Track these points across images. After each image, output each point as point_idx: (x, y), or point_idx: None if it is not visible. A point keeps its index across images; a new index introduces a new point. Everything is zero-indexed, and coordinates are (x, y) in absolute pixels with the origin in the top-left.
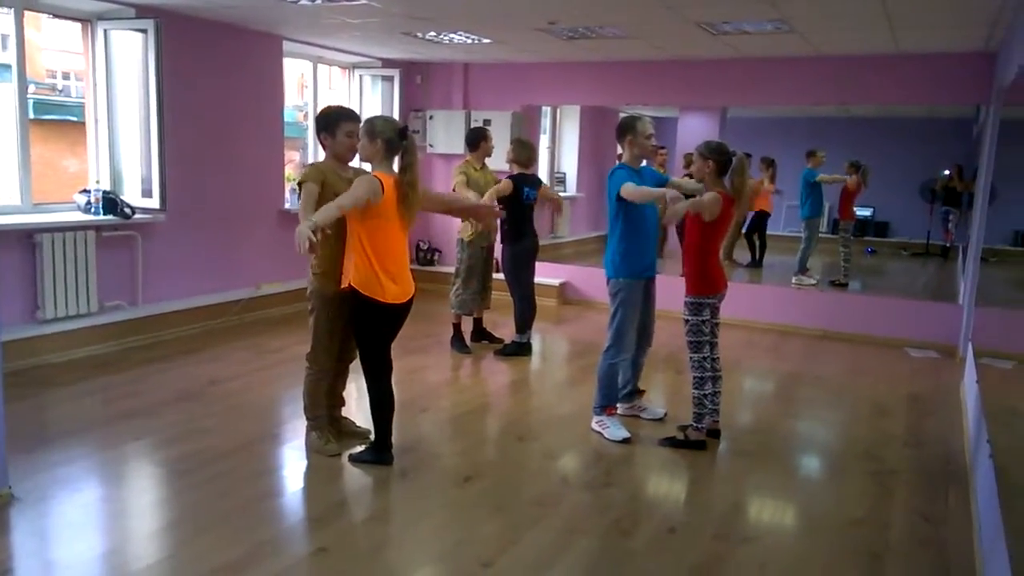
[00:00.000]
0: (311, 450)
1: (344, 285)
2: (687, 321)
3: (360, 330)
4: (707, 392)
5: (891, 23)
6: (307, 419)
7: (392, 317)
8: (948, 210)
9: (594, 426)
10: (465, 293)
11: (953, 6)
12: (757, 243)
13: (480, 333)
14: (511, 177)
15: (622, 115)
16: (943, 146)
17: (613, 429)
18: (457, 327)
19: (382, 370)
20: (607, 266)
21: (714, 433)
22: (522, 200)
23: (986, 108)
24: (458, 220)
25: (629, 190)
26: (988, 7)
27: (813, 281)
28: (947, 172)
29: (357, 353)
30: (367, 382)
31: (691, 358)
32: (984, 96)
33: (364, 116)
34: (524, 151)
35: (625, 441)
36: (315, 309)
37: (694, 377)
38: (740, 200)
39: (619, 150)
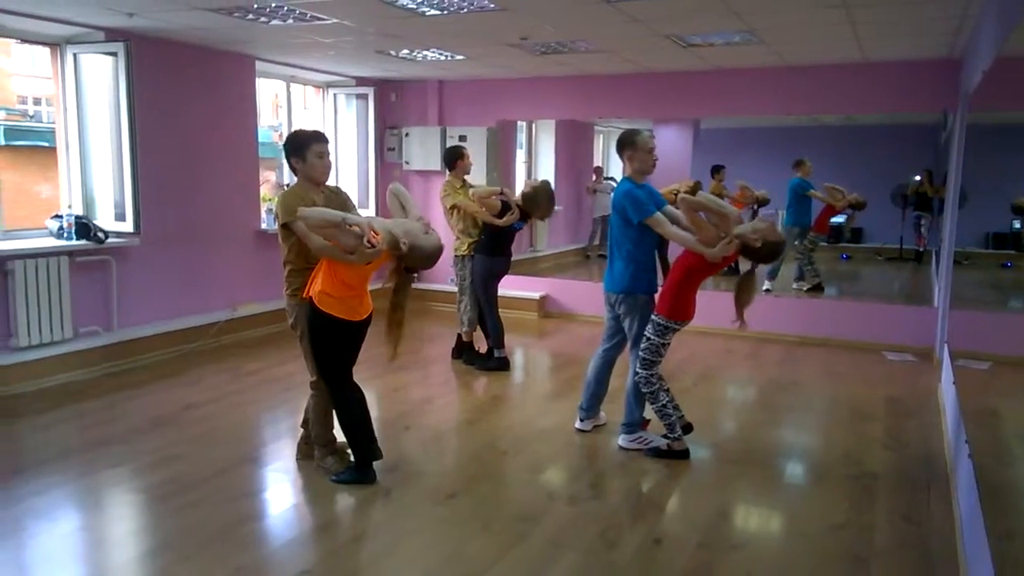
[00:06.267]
0: (328, 474)
1: (305, 294)
2: (648, 339)
3: (319, 346)
4: (664, 402)
5: (856, 32)
6: (319, 446)
7: (353, 333)
8: (920, 215)
9: (631, 444)
10: (473, 311)
11: (916, 15)
12: None
13: (459, 350)
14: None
15: (622, 129)
16: (913, 152)
17: (657, 440)
18: (470, 345)
19: (343, 385)
20: (619, 281)
21: (687, 428)
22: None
23: (953, 114)
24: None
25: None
26: (950, 15)
27: (794, 286)
28: (918, 178)
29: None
30: (333, 401)
31: (637, 373)
32: (951, 102)
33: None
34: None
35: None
36: (304, 334)
37: (643, 394)
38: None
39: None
